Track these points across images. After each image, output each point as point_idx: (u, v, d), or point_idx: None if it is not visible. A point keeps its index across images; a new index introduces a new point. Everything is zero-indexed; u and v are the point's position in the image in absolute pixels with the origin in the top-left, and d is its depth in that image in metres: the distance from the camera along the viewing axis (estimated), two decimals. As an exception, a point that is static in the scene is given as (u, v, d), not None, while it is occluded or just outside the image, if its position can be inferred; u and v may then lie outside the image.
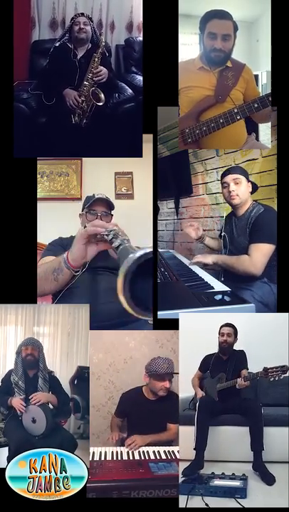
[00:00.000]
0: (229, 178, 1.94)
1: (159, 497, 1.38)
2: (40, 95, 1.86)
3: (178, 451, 1.60)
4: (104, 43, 1.85)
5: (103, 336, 1.88)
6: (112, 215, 1.82)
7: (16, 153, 1.66)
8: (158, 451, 1.60)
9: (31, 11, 1.96)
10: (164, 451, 1.61)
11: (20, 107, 1.83)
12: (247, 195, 1.95)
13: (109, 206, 1.83)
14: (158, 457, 1.57)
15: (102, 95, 1.81)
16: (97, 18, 2.00)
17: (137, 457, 1.57)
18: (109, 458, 1.55)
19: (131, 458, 1.56)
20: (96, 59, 1.82)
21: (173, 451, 1.60)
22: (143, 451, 1.61)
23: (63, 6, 1.99)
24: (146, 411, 1.75)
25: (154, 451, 1.60)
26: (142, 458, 1.56)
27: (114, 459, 1.55)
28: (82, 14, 1.86)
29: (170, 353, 1.87)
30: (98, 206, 1.81)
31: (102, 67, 1.83)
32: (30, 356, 1.64)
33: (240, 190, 1.93)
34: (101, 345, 1.95)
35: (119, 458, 1.56)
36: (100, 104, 1.81)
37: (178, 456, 1.56)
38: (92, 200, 1.80)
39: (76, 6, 1.98)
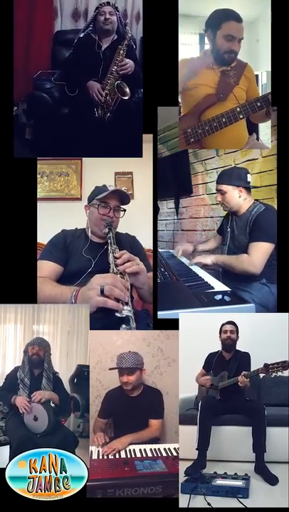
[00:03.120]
0: (217, 187, 1.97)
1: (144, 495, 1.37)
2: (63, 86, 1.83)
3: (164, 449, 1.58)
4: (130, 35, 1.80)
5: (90, 335, 1.84)
6: (125, 211, 1.78)
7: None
8: (144, 449, 1.59)
9: (54, 1, 1.94)
10: (150, 449, 1.59)
11: (43, 96, 1.83)
12: (236, 200, 1.95)
13: (122, 200, 1.77)
14: (144, 455, 1.55)
15: (128, 89, 1.77)
16: (122, 8, 1.92)
17: (123, 455, 1.55)
18: (94, 457, 1.54)
19: (117, 456, 1.54)
20: (121, 51, 1.78)
21: (159, 449, 1.59)
22: (129, 450, 1.59)
23: (86, -4, 1.94)
24: (127, 408, 1.73)
25: (140, 449, 1.59)
26: (128, 456, 1.54)
27: (100, 458, 1.53)
28: (108, 3, 1.80)
29: (157, 352, 1.87)
30: (112, 200, 1.75)
31: (128, 60, 1.79)
32: (36, 356, 1.64)
33: (226, 199, 1.95)
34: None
35: (105, 457, 1.54)
36: (126, 98, 1.78)
37: (164, 454, 1.55)
38: (107, 192, 1.73)
39: (100, -5, 1.90)
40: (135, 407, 1.72)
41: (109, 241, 1.69)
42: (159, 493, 1.38)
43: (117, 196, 1.76)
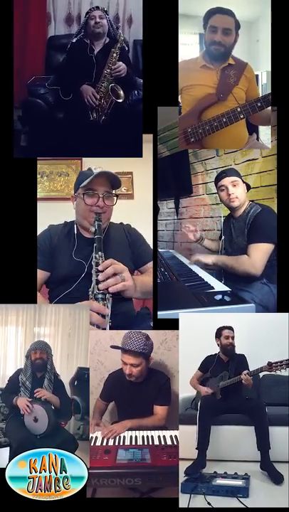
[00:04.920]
0: (226, 181, 1.92)
1: (122, 486, 1.35)
2: (57, 90, 1.84)
3: (158, 437, 1.55)
4: (122, 38, 1.82)
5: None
6: (117, 196, 1.61)
7: (29, 151, 1.68)
8: (135, 436, 1.55)
9: (47, 6, 1.96)
10: (143, 436, 1.55)
11: (37, 102, 1.84)
12: (245, 196, 1.95)
13: (112, 183, 1.60)
14: (133, 443, 1.51)
15: (122, 92, 1.78)
16: (114, 12, 1.96)
17: (111, 443, 1.51)
18: (98, 443, 1.51)
19: (104, 444, 1.51)
20: (114, 54, 1.79)
21: (152, 437, 1.54)
22: (119, 437, 1.55)
23: (79, 1, 1.98)
24: (130, 394, 1.65)
25: (130, 436, 1.55)
26: (117, 443, 1.50)
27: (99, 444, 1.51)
28: (98, 8, 1.82)
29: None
30: (99, 185, 1.56)
31: (120, 63, 1.80)
32: (40, 360, 1.62)
33: (239, 192, 1.92)
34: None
35: (92, 444, 1.51)
36: (120, 100, 1.79)
37: (156, 443, 1.51)
38: (91, 177, 1.54)
39: (92, 0, 1.94)
40: (138, 393, 1.65)
41: (94, 244, 1.49)
42: (139, 485, 1.36)
43: (104, 180, 1.57)
